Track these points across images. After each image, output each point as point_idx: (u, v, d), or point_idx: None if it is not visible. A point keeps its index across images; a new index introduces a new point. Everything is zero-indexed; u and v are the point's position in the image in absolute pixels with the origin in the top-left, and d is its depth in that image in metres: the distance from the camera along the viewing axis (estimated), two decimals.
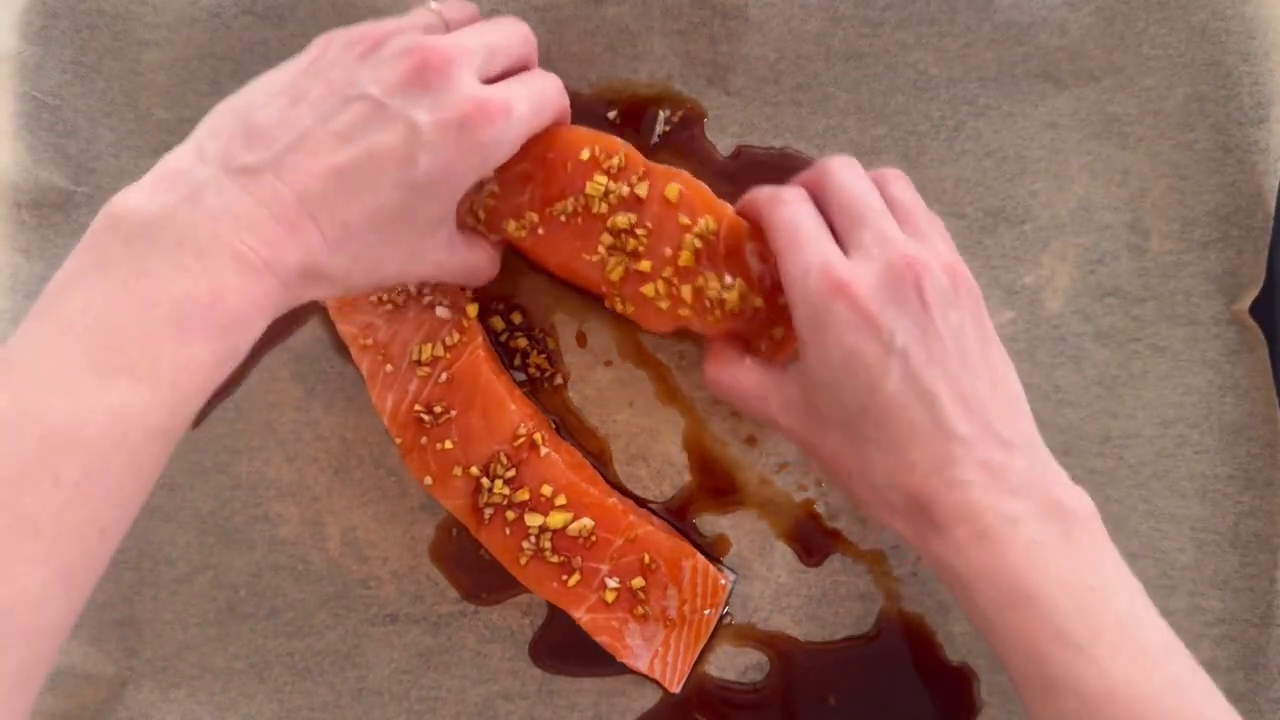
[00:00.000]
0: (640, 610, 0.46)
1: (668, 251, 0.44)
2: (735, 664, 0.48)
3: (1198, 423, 0.47)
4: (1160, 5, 0.47)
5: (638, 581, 0.45)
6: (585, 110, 0.48)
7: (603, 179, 0.44)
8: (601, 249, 0.44)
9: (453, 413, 0.45)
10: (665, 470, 0.49)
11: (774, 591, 0.48)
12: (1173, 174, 0.48)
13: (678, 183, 0.44)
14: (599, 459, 0.49)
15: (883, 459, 0.38)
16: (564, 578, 0.45)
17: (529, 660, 0.48)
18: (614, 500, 0.46)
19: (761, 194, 0.42)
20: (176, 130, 0.48)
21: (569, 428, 0.49)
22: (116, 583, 0.48)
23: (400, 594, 0.48)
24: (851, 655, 0.48)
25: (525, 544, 0.45)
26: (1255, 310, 0.47)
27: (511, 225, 0.45)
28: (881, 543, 0.48)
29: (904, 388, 0.37)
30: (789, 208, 0.41)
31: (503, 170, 0.44)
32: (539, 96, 0.41)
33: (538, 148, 0.44)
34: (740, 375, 0.43)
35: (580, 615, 0.45)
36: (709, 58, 0.48)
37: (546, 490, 0.45)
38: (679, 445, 0.49)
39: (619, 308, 0.45)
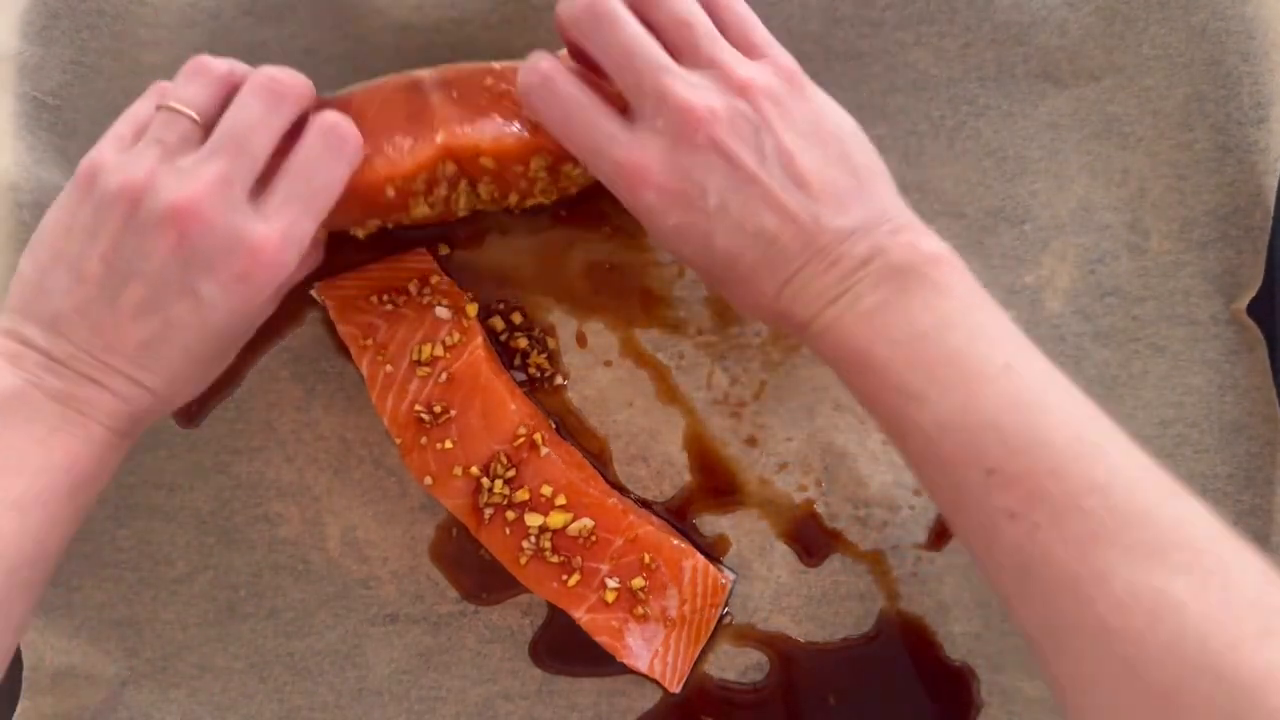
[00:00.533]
0: (640, 610, 0.46)
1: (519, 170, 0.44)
2: (735, 664, 0.48)
3: (1197, 422, 0.47)
4: (1160, 5, 0.47)
5: (638, 581, 0.45)
6: None
7: (421, 204, 0.44)
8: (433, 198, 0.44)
9: (453, 413, 0.45)
10: (665, 470, 0.49)
11: (774, 591, 0.48)
12: (1172, 174, 0.48)
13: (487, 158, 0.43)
14: (599, 459, 0.49)
15: (737, 294, 0.39)
16: (564, 578, 0.45)
17: (529, 660, 0.48)
18: (614, 500, 0.46)
19: (538, 65, 0.40)
20: None
21: (569, 428, 0.49)
22: (116, 583, 0.48)
23: (400, 594, 0.48)
24: (851, 655, 0.48)
25: (525, 544, 0.45)
26: (1254, 309, 0.47)
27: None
28: (881, 543, 0.48)
29: (733, 237, 0.37)
30: (557, 86, 0.39)
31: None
32: (319, 193, 0.39)
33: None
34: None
35: (580, 615, 0.45)
36: None
37: (546, 490, 0.45)
38: (679, 445, 0.49)
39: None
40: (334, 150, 0.39)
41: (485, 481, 0.45)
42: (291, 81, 0.40)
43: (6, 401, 0.37)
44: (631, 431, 0.49)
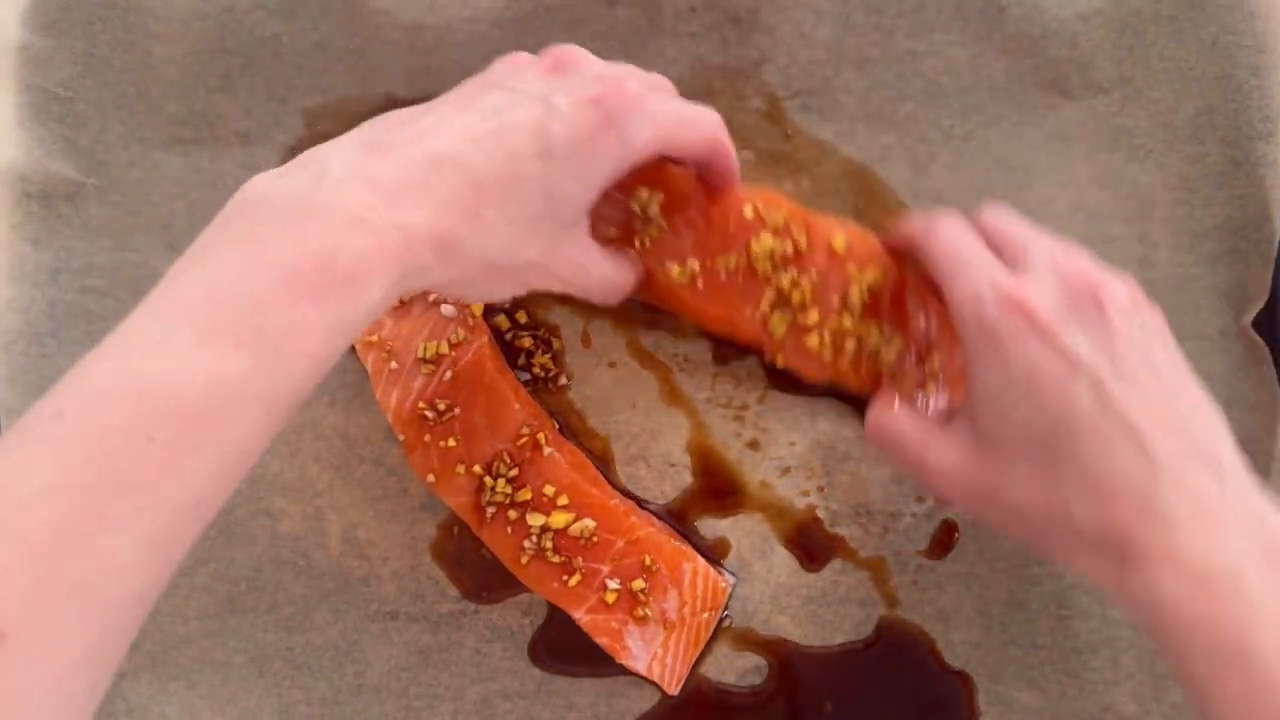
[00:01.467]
0: (640, 612, 0.46)
1: (834, 301, 0.44)
2: (735, 667, 0.48)
3: None
4: (1170, 19, 0.47)
5: (638, 583, 0.45)
6: None
7: (768, 238, 0.44)
8: (764, 305, 0.44)
9: (456, 410, 0.45)
10: (667, 472, 0.49)
11: (774, 595, 0.48)
12: (1181, 187, 0.48)
13: (843, 233, 0.44)
14: (601, 459, 0.49)
15: (1080, 486, 0.34)
16: (564, 578, 0.45)
17: (528, 660, 0.48)
18: (616, 501, 0.46)
19: (915, 224, 0.42)
20: (187, 122, 0.49)
21: (571, 427, 0.49)
22: None
23: (400, 592, 0.48)
24: (851, 661, 0.48)
25: (526, 543, 0.45)
26: (1260, 325, 0.47)
27: (676, 270, 0.44)
28: (883, 549, 0.48)
29: (1096, 408, 0.34)
30: (949, 230, 0.40)
31: (667, 211, 0.44)
32: (687, 111, 0.40)
33: (700, 200, 0.44)
34: (902, 422, 0.41)
35: (580, 616, 0.45)
36: (720, 61, 0.48)
37: (549, 490, 0.45)
38: (681, 447, 0.49)
39: (780, 362, 0.45)
40: (711, 114, 0.40)
41: (488, 480, 0.45)
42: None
43: None
44: (633, 432, 0.49)
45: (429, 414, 0.45)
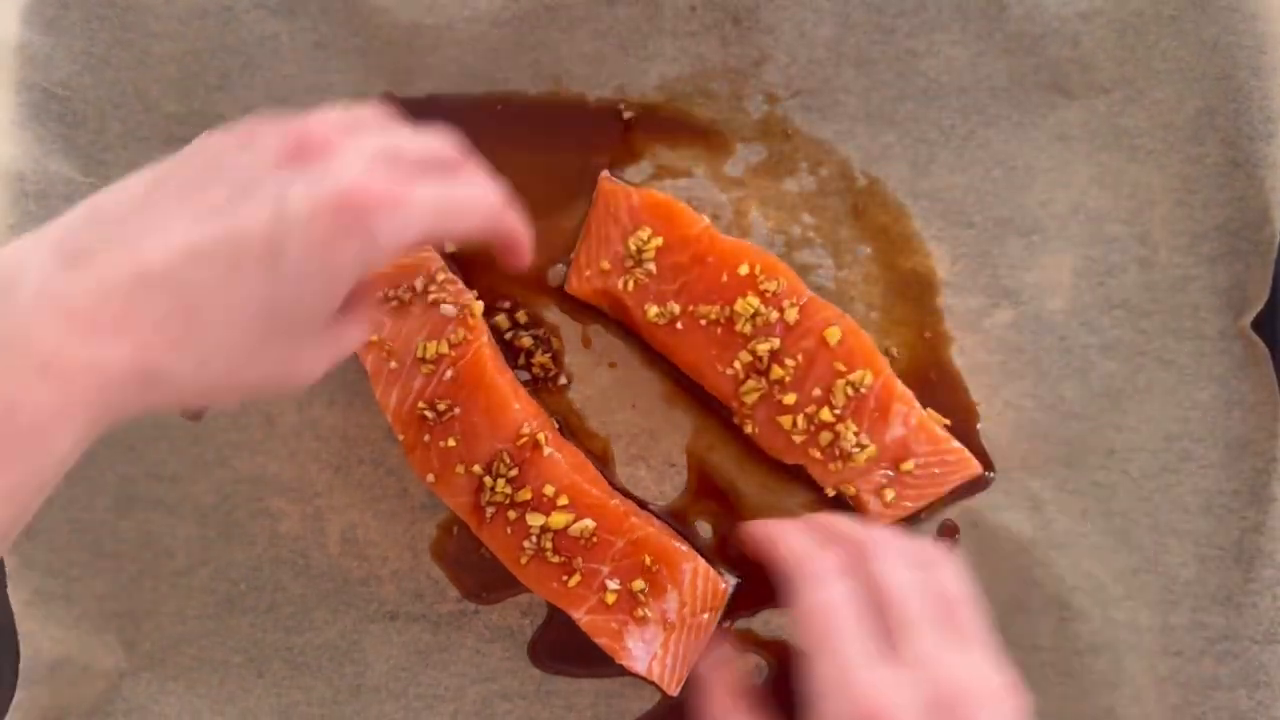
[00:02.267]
0: (640, 612, 0.45)
1: (816, 392, 0.45)
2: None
3: (1202, 437, 0.47)
4: (1172, 19, 0.47)
5: (638, 584, 0.45)
6: (596, 114, 0.48)
7: (754, 300, 0.45)
8: (737, 365, 0.45)
9: (456, 410, 0.45)
10: (666, 472, 0.49)
11: (773, 597, 0.48)
12: (1182, 187, 0.48)
13: (840, 327, 0.45)
14: (600, 459, 0.49)
15: None
16: (564, 578, 0.45)
17: (528, 660, 0.48)
18: (616, 502, 0.46)
19: (796, 546, 0.38)
20: (186, 121, 0.49)
21: (571, 428, 0.49)
22: (116, 574, 0.48)
23: (400, 592, 0.48)
24: None
25: (526, 543, 0.45)
26: (1260, 325, 0.47)
27: (652, 310, 0.46)
28: None
29: None
30: (829, 592, 0.36)
31: (660, 255, 0.46)
32: (458, 197, 0.35)
33: (698, 247, 0.46)
34: None
35: (580, 616, 0.45)
36: (719, 60, 0.48)
37: (549, 490, 0.45)
38: (681, 448, 0.49)
39: (747, 428, 0.47)
40: (482, 190, 0.36)
41: (488, 480, 0.45)
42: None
43: None
44: (633, 433, 0.49)
45: (429, 414, 0.45)
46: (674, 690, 0.46)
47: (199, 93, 0.48)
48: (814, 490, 0.48)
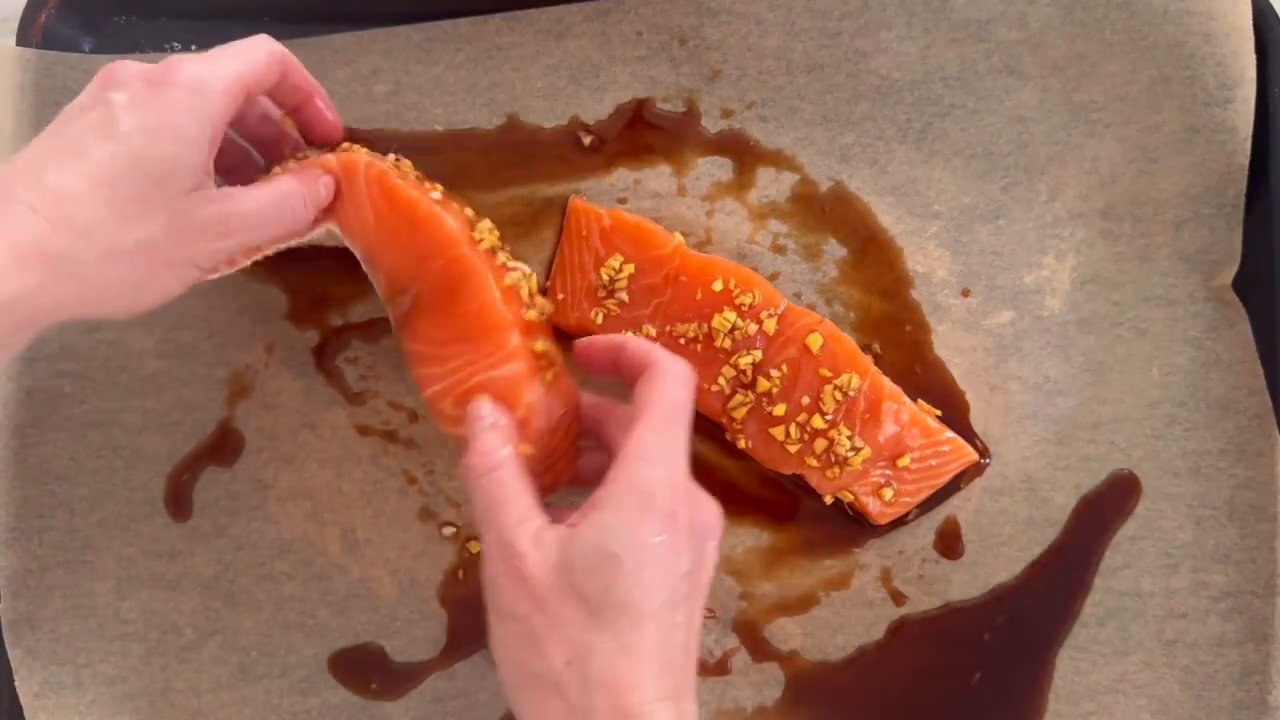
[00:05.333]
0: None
1: (805, 400, 0.45)
2: (749, 680, 0.48)
3: (1185, 401, 0.48)
4: None
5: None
6: (553, 141, 0.48)
7: (731, 315, 0.45)
8: (722, 381, 0.46)
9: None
10: None
11: (776, 597, 0.48)
12: (1141, 157, 0.48)
13: (820, 333, 0.45)
14: None
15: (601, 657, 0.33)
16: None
17: None
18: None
19: (658, 348, 0.40)
20: None
21: None
22: (124, 655, 0.48)
23: (410, 642, 0.48)
24: (863, 664, 0.48)
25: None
26: (1238, 286, 0.47)
27: (629, 335, 0.45)
28: (887, 551, 0.48)
29: (666, 609, 0.34)
30: (683, 382, 0.38)
31: (633, 281, 0.46)
32: (230, 45, 0.40)
33: (670, 267, 0.46)
34: (510, 481, 0.37)
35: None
36: (672, 80, 0.48)
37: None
38: None
39: (740, 443, 0.47)
40: (255, 39, 0.41)
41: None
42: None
43: None
44: None
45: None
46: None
47: None
48: (814, 498, 0.48)
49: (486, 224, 0.43)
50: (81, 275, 0.35)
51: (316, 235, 0.43)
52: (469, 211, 0.43)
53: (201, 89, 0.37)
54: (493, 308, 0.40)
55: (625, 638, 0.33)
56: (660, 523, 0.34)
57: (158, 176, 0.36)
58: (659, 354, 0.39)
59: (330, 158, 0.42)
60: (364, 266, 0.43)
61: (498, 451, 0.37)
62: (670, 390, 0.37)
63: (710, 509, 0.37)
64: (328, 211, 0.42)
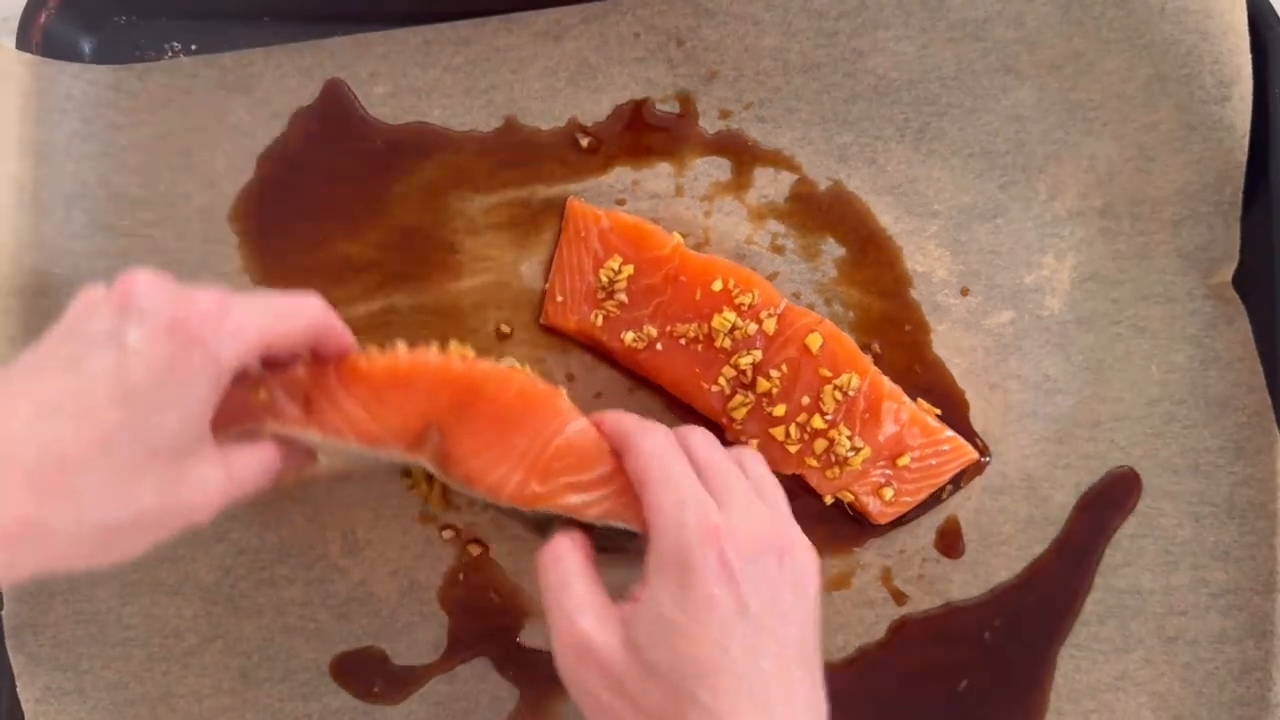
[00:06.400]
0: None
1: (804, 400, 0.46)
2: None
3: (1184, 398, 0.48)
4: None
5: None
6: (551, 142, 0.48)
7: (731, 315, 0.45)
8: (722, 381, 0.46)
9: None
10: None
11: None
12: (1139, 155, 0.48)
13: (820, 332, 0.45)
14: None
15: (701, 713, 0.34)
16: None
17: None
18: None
19: (629, 420, 0.40)
20: (150, 205, 0.48)
21: None
22: (126, 661, 0.48)
23: (410, 646, 0.48)
24: (864, 663, 0.48)
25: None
26: (1238, 284, 0.47)
27: (629, 336, 0.46)
28: (887, 550, 0.49)
29: (744, 656, 0.34)
30: (659, 439, 0.39)
31: (632, 282, 0.46)
32: (279, 306, 0.37)
33: (670, 268, 0.46)
34: (573, 566, 0.38)
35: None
36: (669, 81, 0.48)
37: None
38: None
39: (742, 443, 0.46)
40: (304, 298, 0.39)
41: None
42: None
43: None
44: None
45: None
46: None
47: (164, 175, 0.48)
48: (814, 498, 0.48)
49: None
50: (62, 543, 0.33)
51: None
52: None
53: (230, 360, 0.35)
54: (530, 385, 0.41)
55: (714, 703, 0.33)
56: (705, 573, 0.35)
57: (161, 445, 0.34)
58: (630, 424, 0.40)
59: (303, 376, 0.41)
60: (358, 449, 0.41)
61: (565, 541, 0.39)
62: (655, 458, 0.38)
63: (762, 526, 0.37)
64: (305, 424, 0.41)
